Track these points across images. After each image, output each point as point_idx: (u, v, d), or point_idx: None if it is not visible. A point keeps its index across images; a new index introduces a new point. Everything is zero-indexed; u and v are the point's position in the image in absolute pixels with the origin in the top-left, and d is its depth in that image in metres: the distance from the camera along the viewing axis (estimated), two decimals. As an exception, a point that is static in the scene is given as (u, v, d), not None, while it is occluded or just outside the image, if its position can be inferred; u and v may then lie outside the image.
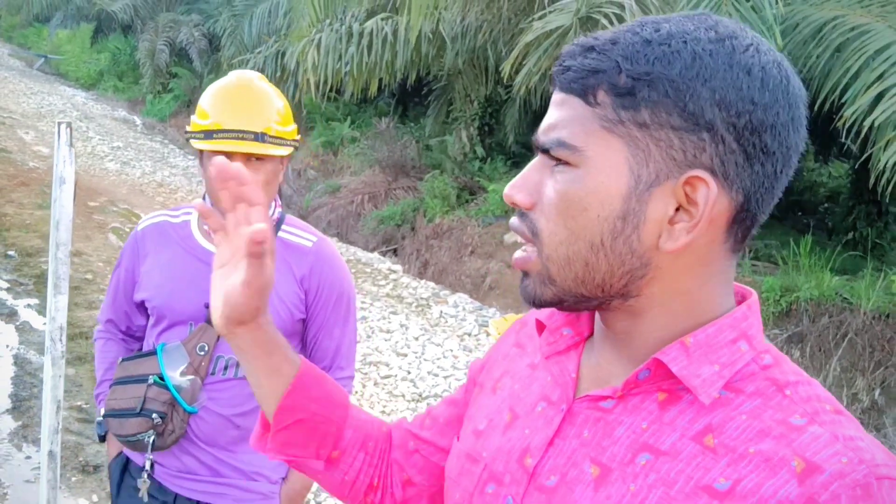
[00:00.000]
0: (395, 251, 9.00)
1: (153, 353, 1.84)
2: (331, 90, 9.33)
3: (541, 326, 0.88)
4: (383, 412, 4.75)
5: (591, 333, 0.85)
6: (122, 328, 2.01)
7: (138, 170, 10.98)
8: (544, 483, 0.78)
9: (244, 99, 1.81)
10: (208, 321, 1.82)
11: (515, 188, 0.78)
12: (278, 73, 10.39)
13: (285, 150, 1.81)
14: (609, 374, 0.79)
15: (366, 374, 5.24)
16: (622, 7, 5.95)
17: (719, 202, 0.71)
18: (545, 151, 0.76)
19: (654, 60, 0.70)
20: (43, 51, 21.26)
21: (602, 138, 0.72)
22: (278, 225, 1.88)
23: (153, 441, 1.80)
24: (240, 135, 1.76)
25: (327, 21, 8.91)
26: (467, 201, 8.78)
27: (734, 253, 0.76)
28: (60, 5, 19.36)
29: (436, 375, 5.26)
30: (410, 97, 12.70)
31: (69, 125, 1.96)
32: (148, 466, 1.85)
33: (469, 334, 6.12)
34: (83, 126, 12.90)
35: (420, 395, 4.99)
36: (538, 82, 6.43)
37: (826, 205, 9.69)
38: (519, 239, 0.79)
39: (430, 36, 8.53)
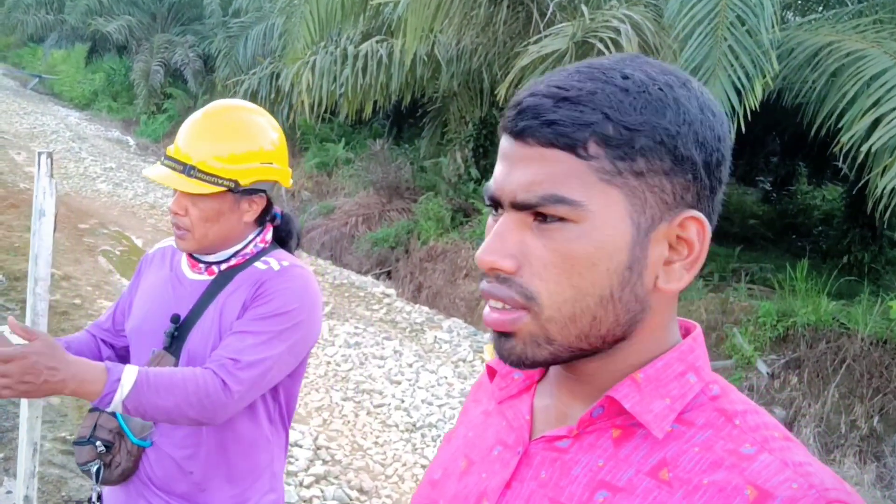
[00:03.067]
0: (388, 274, 8.93)
1: None
2: (325, 112, 9.30)
3: (492, 372, 0.89)
4: (376, 443, 4.66)
5: (542, 375, 0.85)
6: (102, 331, 1.94)
7: (131, 191, 10.91)
8: None
9: (199, 128, 1.75)
10: (166, 348, 1.75)
11: (495, 253, 0.73)
12: (273, 95, 10.40)
13: (206, 189, 1.68)
14: (562, 414, 0.80)
15: (359, 402, 5.16)
16: (618, 32, 5.92)
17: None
18: (523, 208, 0.73)
19: (643, 110, 0.71)
20: (38, 71, 21.25)
21: (602, 191, 0.71)
22: (254, 258, 1.80)
23: (99, 472, 1.72)
24: (172, 164, 1.71)
25: (322, 43, 8.89)
26: (462, 223, 8.73)
27: None
28: (55, 26, 19.34)
29: (430, 404, 5.18)
30: (405, 119, 12.68)
31: (50, 155, 1.89)
32: (95, 499, 1.78)
33: (464, 360, 6.05)
34: (76, 147, 12.84)
35: (414, 425, 4.90)
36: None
37: (820, 228, 9.66)
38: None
39: (426, 58, 8.51)
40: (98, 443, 1.71)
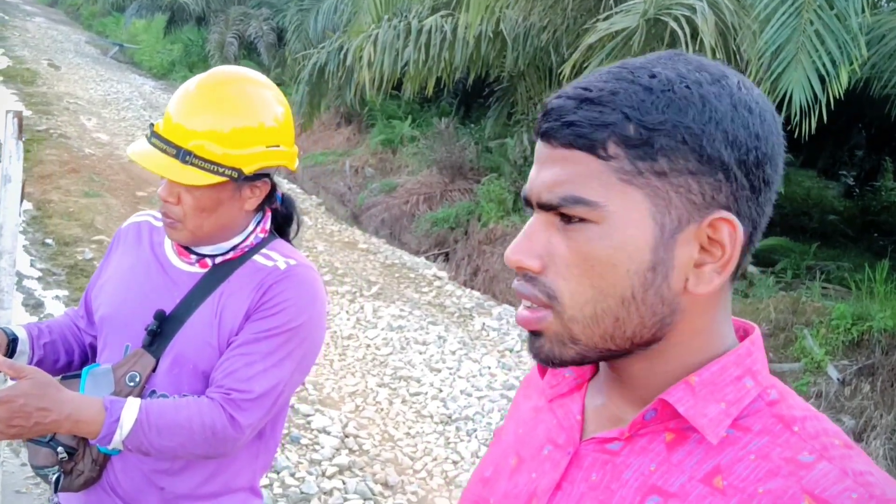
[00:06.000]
0: (446, 255, 8.72)
1: (79, 374, 1.57)
2: (391, 88, 9.11)
3: (542, 369, 0.88)
4: (408, 434, 4.46)
5: (594, 373, 0.84)
6: (78, 318, 1.77)
7: (194, 161, 10.93)
8: None
9: (196, 101, 1.51)
10: (146, 346, 1.55)
11: (522, 253, 0.75)
12: (340, 70, 10.25)
13: (204, 179, 1.47)
14: (614, 415, 0.79)
15: (394, 389, 4.96)
16: (693, 10, 5.55)
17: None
18: (549, 209, 0.74)
19: (665, 109, 0.70)
20: (119, 40, 21.66)
21: (622, 192, 0.71)
22: (253, 251, 1.59)
23: (58, 479, 1.53)
24: (162, 145, 1.48)
25: (387, 17, 8.68)
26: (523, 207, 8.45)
27: (732, 283, 0.77)
28: (136, -6, 19.63)
29: (469, 395, 4.94)
30: (473, 98, 12.41)
31: (18, 114, 1.71)
32: None
33: (511, 350, 5.78)
34: (146, 115, 12.97)
35: (449, 417, 4.67)
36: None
37: (905, 227, 9.09)
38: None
39: (491, 35, 8.22)
40: (60, 448, 1.52)
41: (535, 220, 0.75)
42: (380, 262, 7.78)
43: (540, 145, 0.75)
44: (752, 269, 7.26)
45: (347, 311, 6.10)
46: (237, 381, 1.49)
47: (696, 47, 5.41)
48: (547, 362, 0.76)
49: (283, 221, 1.70)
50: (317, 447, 4.10)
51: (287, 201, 1.71)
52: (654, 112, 0.70)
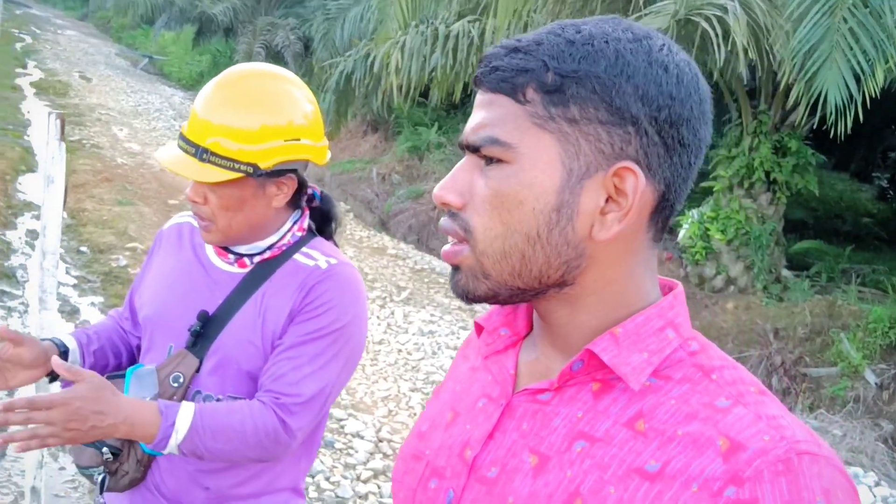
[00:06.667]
0: (474, 261, 8.70)
1: (123, 375, 1.57)
2: (418, 94, 9.11)
3: (479, 328, 0.91)
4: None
5: (529, 332, 0.88)
6: (123, 320, 1.77)
7: (224, 169, 11.02)
8: (485, 475, 0.81)
9: (214, 99, 1.51)
10: (189, 347, 1.55)
11: (445, 189, 0.79)
12: (367, 77, 10.28)
13: (220, 175, 1.46)
14: (546, 368, 0.82)
15: (427, 394, 4.94)
16: (724, 9, 5.49)
17: (645, 192, 0.76)
18: (474, 150, 0.78)
19: (580, 59, 0.74)
20: (148, 51, 21.92)
21: (534, 135, 0.75)
22: (293, 249, 1.59)
23: (104, 480, 1.54)
24: (184, 145, 1.49)
25: (414, 23, 8.70)
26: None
27: (655, 242, 0.80)
28: (165, 7, 19.86)
29: (502, 399, 4.91)
30: (500, 104, 12.38)
31: (60, 116, 1.71)
32: None
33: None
34: (176, 125, 13.11)
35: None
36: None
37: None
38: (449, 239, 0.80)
39: (519, 40, 8.21)
40: (105, 449, 1.53)
41: (464, 161, 0.79)
42: (409, 268, 7.78)
43: (478, 92, 0.79)
44: (786, 272, 7.15)
45: (378, 317, 6.10)
46: (286, 385, 1.48)
47: (729, 47, 5.36)
48: (462, 296, 0.80)
49: (322, 219, 1.69)
50: (351, 451, 4.09)
51: (325, 199, 1.69)
52: (570, 62, 0.74)
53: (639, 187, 0.75)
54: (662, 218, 0.79)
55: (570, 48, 0.74)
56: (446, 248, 0.80)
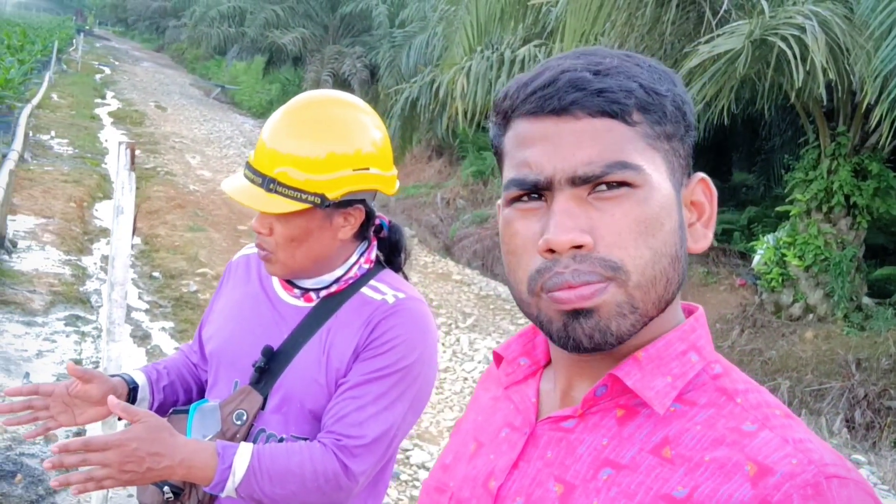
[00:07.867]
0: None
1: (187, 410, 1.54)
2: (484, 118, 9.11)
3: (499, 359, 0.90)
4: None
5: (548, 362, 0.87)
6: (192, 353, 1.74)
7: (292, 196, 11.18)
8: None
9: (281, 128, 1.46)
10: (253, 383, 1.50)
11: (571, 231, 0.72)
12: (432, 103, 10.33)
13: (287, 206, 1.41)
14: (568, 395, 0.81)
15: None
16: (802, 29, 5.32)
17: None
18: (585, 182, 0.73)
19: (660, 80, 0.75)
20: (221, 81, 22.53)
21: (650, 155, 0.74)
22: (360, 283, 1.52)
23: None
24: (251, 175, 1.45)
25: (479, 49, 8.70)
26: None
27: None
28: (237, 38, 20.39)
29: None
30: (566, 128, 12.31)
31: (131, 146, 1.70)
32: None
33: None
34: (246, 152, 13.38)
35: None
36: (702, 110, 5.89)
37: None
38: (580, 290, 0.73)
39: (586, 63, 8.13)
40: (166, 488, 1.49)
41: (566, 198, 0.73)
42: (474, 294, 7.70)
43: (547, 123, 0.74)
44: (867, 300, 6.86)
45: (443, 344, 6.04)
46: (349, 426, 1.42)
47: (807, 68, 5.19)
48: (601, 342, 0.73)
49: (390, 250, 1.63)
50: (416, 483, 4.01)
51: (394, 229, 1.63)
52: (658, 82, 0.75)
53: (712, 193, 0.78)
54: None
55: (640, 70, 0.75)
56: (569, 294, 0.72)
